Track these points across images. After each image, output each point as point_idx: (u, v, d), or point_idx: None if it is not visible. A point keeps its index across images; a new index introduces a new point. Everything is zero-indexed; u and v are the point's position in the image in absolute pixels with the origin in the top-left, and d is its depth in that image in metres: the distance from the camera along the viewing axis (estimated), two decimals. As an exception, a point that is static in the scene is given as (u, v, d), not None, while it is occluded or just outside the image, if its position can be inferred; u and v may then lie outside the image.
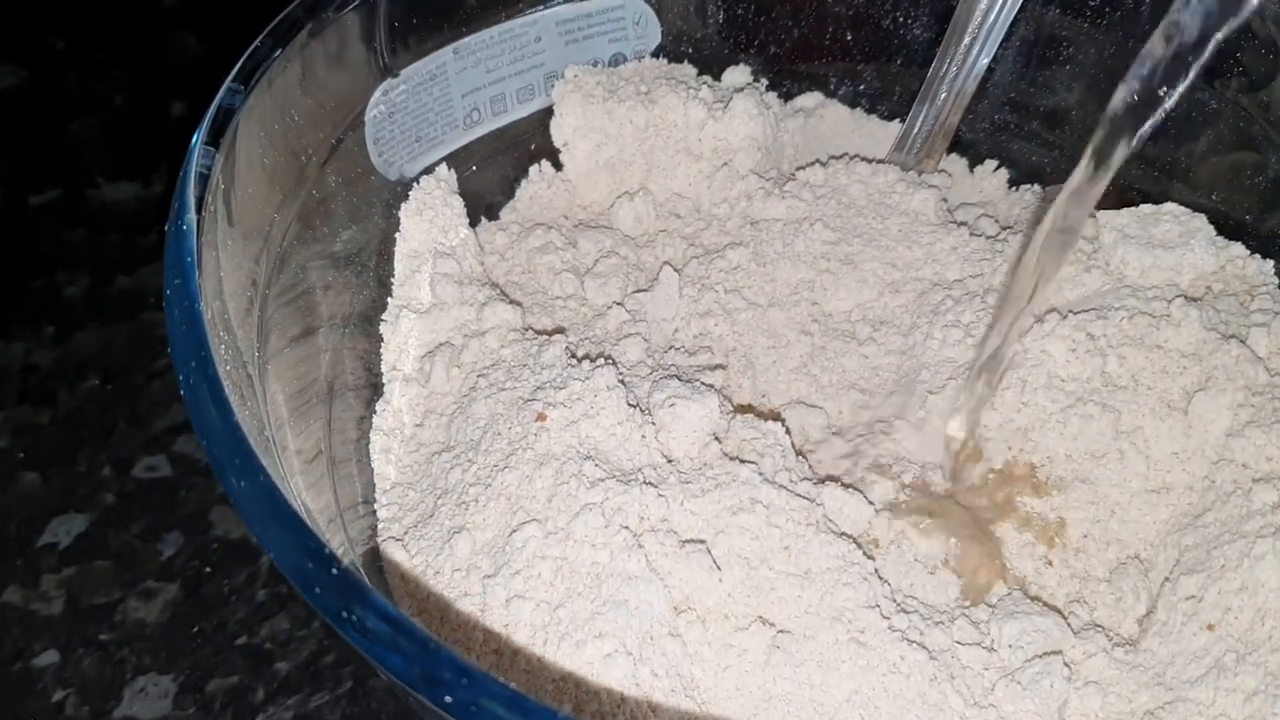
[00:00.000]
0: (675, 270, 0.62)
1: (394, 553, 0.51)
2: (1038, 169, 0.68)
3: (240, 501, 0.36)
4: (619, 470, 0.50)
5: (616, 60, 0.67)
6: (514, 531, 0.48)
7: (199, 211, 0.43)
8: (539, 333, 0.57)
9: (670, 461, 0.51)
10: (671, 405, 0.51)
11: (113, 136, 0.89)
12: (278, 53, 0.50)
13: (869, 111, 0.71)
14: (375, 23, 0.56)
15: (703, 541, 0.48)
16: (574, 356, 0.54)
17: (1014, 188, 0.69)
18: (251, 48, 0.49)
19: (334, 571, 0.34)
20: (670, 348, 0.60)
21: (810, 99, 0.70)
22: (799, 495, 0.50)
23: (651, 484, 0.49)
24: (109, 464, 0.70)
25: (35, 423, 0.72)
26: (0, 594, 0.64)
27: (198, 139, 0.45)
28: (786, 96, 0.70)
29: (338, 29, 0.53)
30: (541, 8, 0.63)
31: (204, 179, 0.44)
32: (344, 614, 0.33)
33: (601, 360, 0.53)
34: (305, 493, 0.45)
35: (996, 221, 0.65)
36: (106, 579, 0.65)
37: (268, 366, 0.47)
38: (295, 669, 0.61)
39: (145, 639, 0.63)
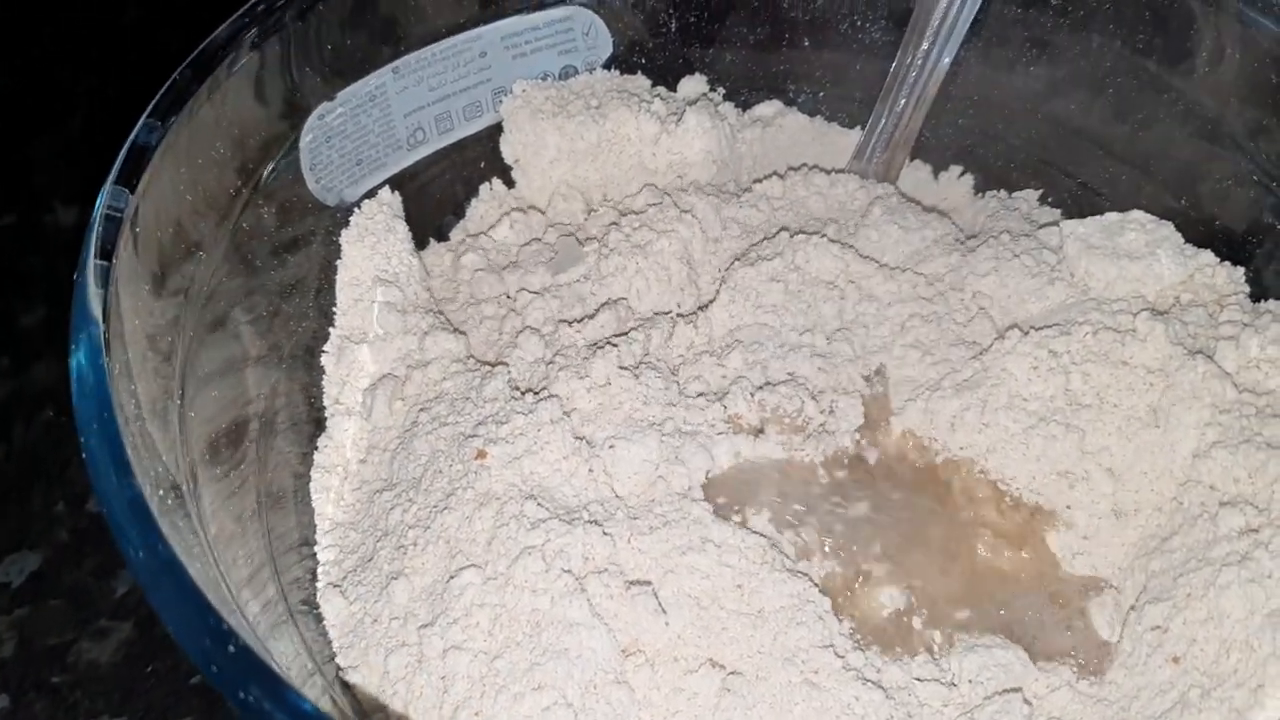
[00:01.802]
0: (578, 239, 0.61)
1: (332, 600, 0.49)
2: (1003, 174, 0.66)
3: (138, 572, 0.35)
4: (563, 508, 0.48)
5: (567, 73, 0.65)
6: (452, 578, 0.46)
7: (108, 258, 0.41)
8: (482, 363, 0.55)
9: (618, 497, 0.49)
10: (611, 447, 0.50)
11: (70, 158, 0.87)
12: (199, 84, 0.48)
13: (829, 119, 0.69)
14: (306, 46, 0.54)
15: (649, 583, 0.46)
16: (517, 389, 0.52)
17: (979, 194, 0.67)
18: (170, 80, 0.48)
19: (230, 649, 0.33)
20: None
21: (769, 108, 0.68)
22: (754, 532, 0.48)
23: (597, 522, 0.48)
24: (63, 500, 0.69)
25: (-13, 458, 0.70)
26: (-48, 638, 0.63)
27: (109, 180, 0.44)
28: (744, 105, 0.68)
29: (264, 55, 0.51)
30: (486, 22, 0.61)
31: (114, 222, 0.43)
32: (240, 694, 0.32)
33: (546, 393, 0.52)
34: (226, 546, 0.43)
35: (961, 229, 0.63)
36: (59, 619, 0.64)
37: (191, 409, 0.46)
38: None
39: (98, 680, 0.61)
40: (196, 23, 0.90)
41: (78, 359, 0.38)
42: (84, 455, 0.37)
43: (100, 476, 0.36)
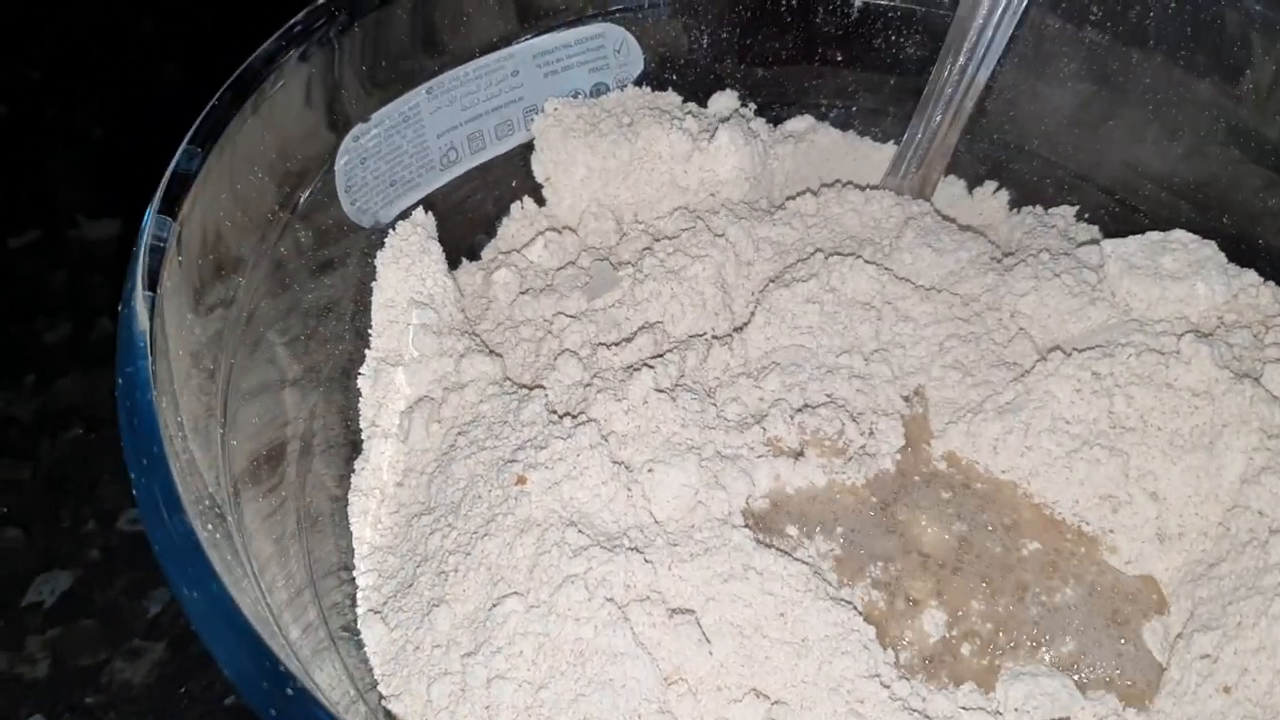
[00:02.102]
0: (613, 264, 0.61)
1: (374, 627, 0.49)
2: (1038, 190, 0.65)
3: (191, 612, 0.34)
4: (603, 535, 0.48)
5: (598, 90, 0.65)
6: (494, 605, 0.46)
7: (153, 288, 0.41)
8: (518, 385, 0.55)
9: (658, 522, 0.49)
10: (650, 471, 0.49)
11: (92, 171, 0.87)
12: (236, 109, 0.48)
13: (862, 134, 0.68)
14: (340, 68, 0.53)
15: (691, 611, 0.46)
16: (554, 412, 0.52)
17: (1014, 210, 0.66)
18: (209, 106, 0.47)
19: (289, 692, 0.32)
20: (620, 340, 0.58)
21: (801, 123, 0.68)
22: (796, 559, 0.48)
23: (638, 549, 0.47)
24: (93, 518, 0.69)
25: (16, 478, 0.70)
26: (-16, 658, 0.63)
27: (151, 209, 0.43)
28: (776, 121, 0.68)
29: (300, 78, 0.51)
30: (518, 40, 0.61)
31: (158, 252, 0.42)
32: (299, 738, 0.32)
33: (584, 418, 0.51)
34: (266, 569, 0.43)
35: (997, 246, 0.62)
36: (92, 639, 0.64)
37: (232, 431, 0.45)
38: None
39: (132, 701, 0.61)
40: (200, 34, 0.90)
41: (126, 397, 0.38)
42: (133, 492, 0.37)
43: (149, 513, 0.36)
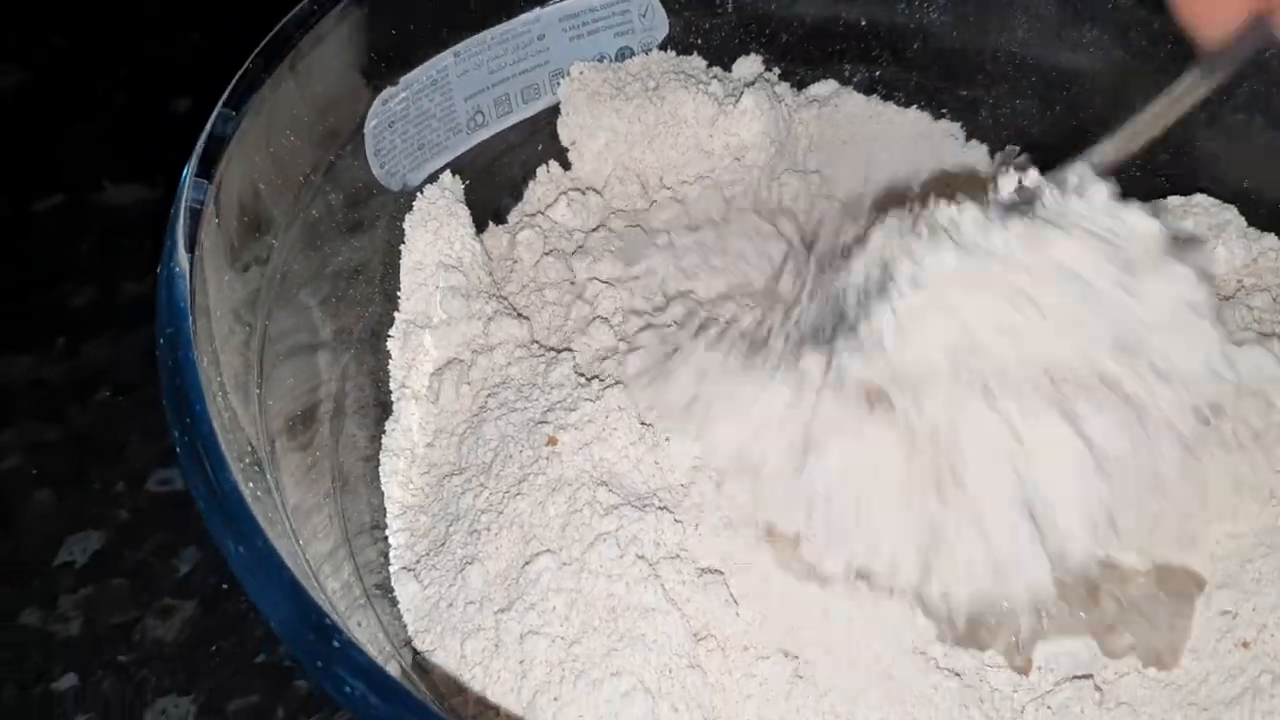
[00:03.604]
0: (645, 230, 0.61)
1: (407, 584, 0.50)
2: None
3: (237, 566, 0.35)
4: (633, 495, 0.49)
5: (623, 54, 0.65)
6: (527, 563, 0.47)
7: (191, 250, 0.42)
8: (545, 348, 0.56)
9: (683, 486, 0.50)
10: (667, 440, 0.50)
11: (116, 137, 0.88)
12: (270, 73, 0.48)
13: (885, 98, 0.68)
14: (371, 32, 0.54)
15: (721, 572, 0.47)
16: (582, 375, 0.53)
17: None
18: (243, 69, 0.48)
19: (335, 644, 0.33)
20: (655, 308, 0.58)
21: (824, 87, 0.68)
22: None
23: (667, 509, 0.48)
24: (122, 479, 0.69)
25: (46, 440, 0.71)
26: (18, 616, 0.64)
27: (188, 172, 0.44)
28: (800, 85, 0.68)
29: (332, 42, 0.52)
30: (544, 5, 0.61)
31: (196, 214, 0.43)
32: (347, 689, 0.32)
33: (611, 380, 0.52)
34: (304, 524, 0.44)
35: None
36: (124, 598, 0.65)
37: (269, 389, 0.46)
38: (316, 687, 0.60)
39: (164, 659, 0.62)
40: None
41: (169, 355, 0.38)
42: (176, 450, 0.37)
43: (192, 470, 0.36)
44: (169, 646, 0.63)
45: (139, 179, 0.85)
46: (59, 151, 0.87)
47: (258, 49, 0.48)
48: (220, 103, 0.46)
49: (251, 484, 0.39)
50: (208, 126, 0.45)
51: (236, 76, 0.47)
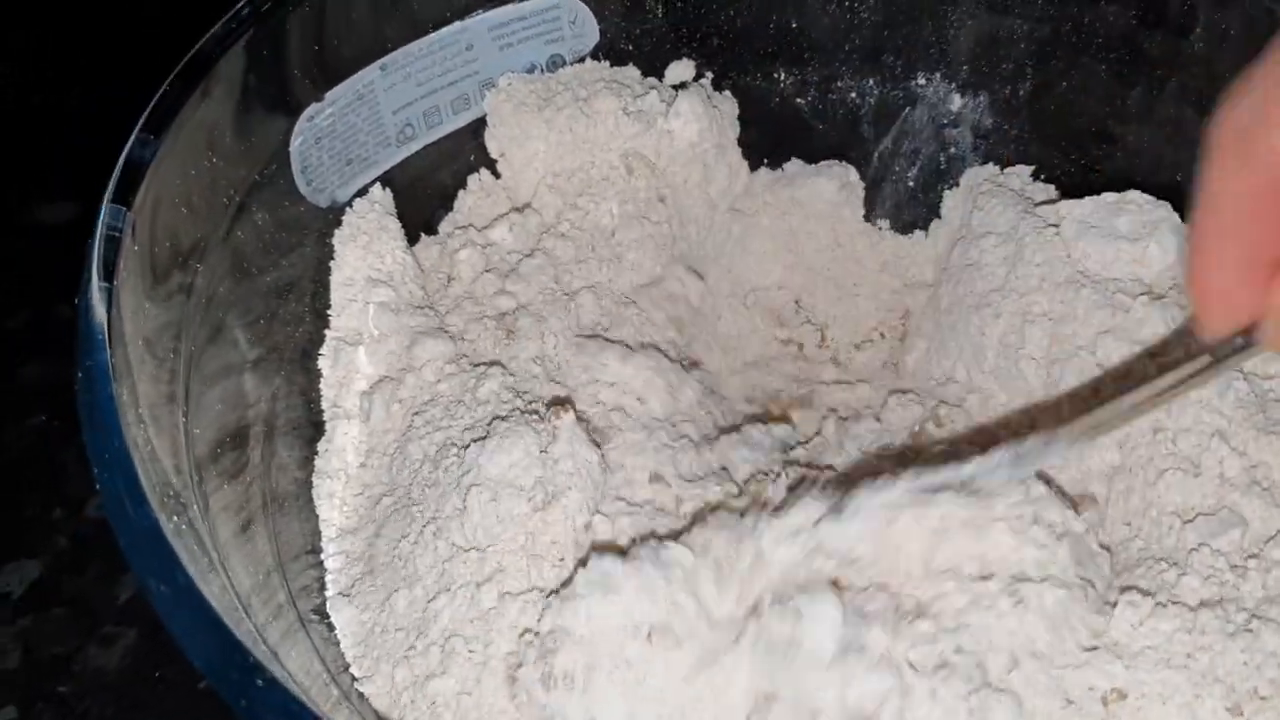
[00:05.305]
0: None
1: (343, 610, 0.49)
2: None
3: (159, 605, 0.34)
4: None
5: (555, 63, 0.64)
6: (431, 600, 0.46)
7: (109, 279, 0.41)
8: (475, 364, 0.55)
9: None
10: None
11: (49, 152, 0.86)
12: (188, 95, 0.47)
13: (818, 103, 0.68)
14: (292, 48, 0.53)
15: None
16: (512, 390, 0.52)
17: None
18: (160, 91, 0.47)
19: (259, 683, 0.33)
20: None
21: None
22: None
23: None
24: (60, 505, 0.68)
25: (-21, 467, 0.70)
26: (-45, 650, 0.63)
27: (105, 201, 0.43)
28: (733, 89, 0.68)
29: (252, 60, 0.51)
30: (471, 14, 0.60)
31: (114, 241, 0.42)
32: (270, 726, 0.32)
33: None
34: (233, 553, 0.43)
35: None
36: (63, 628, 0.64)
37: (195, 415, 0.45)
38: None
39: (106, 689, 0.61)
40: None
41: (86, 391, 0.38)
42: (97, 486, 0.37)
43: (113, 506, 0.36)
44: (111, 675, 0.62)
45: (71, 196, 0.83)
46: (-11, 173, 0.85)
47: (175, 70, 0.48)
48: (138, 127, 0.45)
49: (175, 518, 0.38)
50: (125, 151, 0.44)
51: (154, 100, 0.46)
